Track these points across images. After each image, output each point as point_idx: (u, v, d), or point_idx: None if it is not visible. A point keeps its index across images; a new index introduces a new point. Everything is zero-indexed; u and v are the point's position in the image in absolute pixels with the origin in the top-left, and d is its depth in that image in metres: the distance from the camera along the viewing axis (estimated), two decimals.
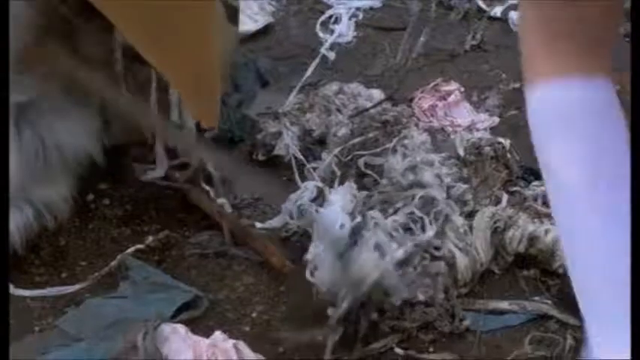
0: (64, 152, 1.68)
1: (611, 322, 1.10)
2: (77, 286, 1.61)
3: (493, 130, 1.99)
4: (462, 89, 2.06)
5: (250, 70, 2.17)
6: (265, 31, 2.35)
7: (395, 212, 1.64)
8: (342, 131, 1.91)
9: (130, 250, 1.69)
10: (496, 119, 2.02)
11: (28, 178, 1.62)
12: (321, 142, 1.93)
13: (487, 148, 1.87)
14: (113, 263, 1.64)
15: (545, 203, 1.72)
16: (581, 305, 1.13)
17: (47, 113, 1.64)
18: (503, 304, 1.60)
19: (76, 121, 1.68)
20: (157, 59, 1.58)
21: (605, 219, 1.07)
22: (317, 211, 1.75)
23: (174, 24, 1.49)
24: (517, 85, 2.07)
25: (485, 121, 2.02)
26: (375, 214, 1.63)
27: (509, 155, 1.86)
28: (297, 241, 1.73)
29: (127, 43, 1.63)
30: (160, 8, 1.47)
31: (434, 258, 1.60)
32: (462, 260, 1.62)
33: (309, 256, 1.60)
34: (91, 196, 1.83)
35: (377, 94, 2.04)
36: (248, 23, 2.33)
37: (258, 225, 1.77)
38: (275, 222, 1.77)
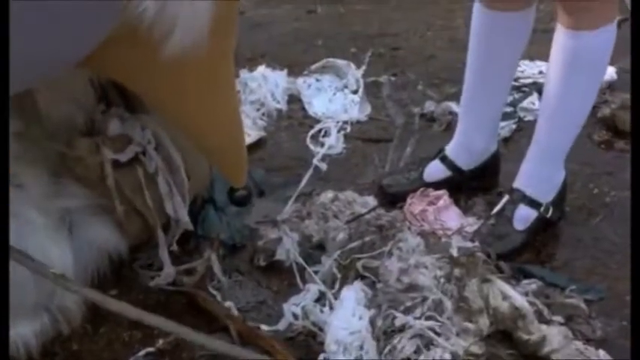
0: (92, 256, 1.77)
1: None
2: None
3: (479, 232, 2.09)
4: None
5: (247, 181, 2.27)
6: (258, 144, 2.47)
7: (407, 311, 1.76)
8: (340, 236, 2.01)
9: (142, 353, 1.75)
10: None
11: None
12: (321, 247, 2.03)
13: (479, 254, 1.98)
14: None
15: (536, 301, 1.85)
16: None
17: (88, 218, 1.74)
18: None
19: (104, 228, 1.78)
20: (187, 132, 1.72)
21: None
22: (321, 311, 1.84)
23: (200, 97, 1.60)
24: (501, 189, 2.20)
25: (474, 224, 2.13)
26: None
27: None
28: (302, 341, 1.80)
29: (114, 157, 1.77)
30: (189, 84, 1.58)
31: None
32: None
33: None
34: None
35: (371, 200, 2.15)
36: None
37: (264, 327, 1.84)
38: (280, 325, 1.85)
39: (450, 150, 2.23)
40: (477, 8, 2.05)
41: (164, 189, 1.81)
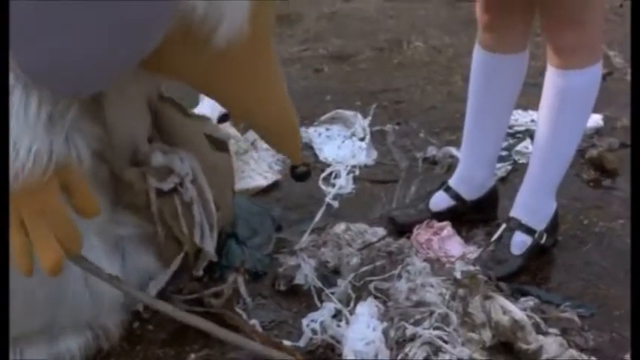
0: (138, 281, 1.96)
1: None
2: None
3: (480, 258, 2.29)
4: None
5: (265, 217, 2.47)
6: (274, 186, 2.68)
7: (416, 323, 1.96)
8: (354, 261, 2.20)
9: None
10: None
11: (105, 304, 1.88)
12: (336, 271, 2.22)
13: (480, 276, 2.17)
14: None
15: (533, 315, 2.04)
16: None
17: (137, 246, 1.94)
18: None
19: (149, 255, 1.97)
20: (247, 119, 1.91)
21: None
22: (338, 326, 2.02)
23: (248, 81, 1.75)
24: (499, 221, 2.40)
25: (475, 252, 2.32)
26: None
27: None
28: (322, 353, 1.98)
29: (158, 186, 1.94)
30: (237, 70, 1.70)
31: None
32: None
33: None
34: (136, 324, 2.07)
35: (380, 231, 2.35)
36: (259, 180, 2.67)
37: (287, 342, 2.02)
38: (301, 341, 2.03)
39: (453, 182, 2.44)
40: (476, 50, 2.28)
41: (197, 217, 2.00)
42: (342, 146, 2.88)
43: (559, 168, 2.26)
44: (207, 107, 2.83)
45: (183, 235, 2.00)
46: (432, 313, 2.02)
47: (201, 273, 2.16)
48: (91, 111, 1.61)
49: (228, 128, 2.75)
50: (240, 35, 1.56)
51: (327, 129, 2.96)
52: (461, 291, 2.10)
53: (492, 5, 2.17)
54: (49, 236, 1.48)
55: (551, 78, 2.14)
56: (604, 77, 3.07)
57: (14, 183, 1.42)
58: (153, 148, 1.96)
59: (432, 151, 2.84)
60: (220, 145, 2.25)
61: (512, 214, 2.31)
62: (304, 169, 2.04)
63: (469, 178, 2.43)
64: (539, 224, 2.30)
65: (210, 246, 2.10)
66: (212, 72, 1.67)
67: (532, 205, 2.29)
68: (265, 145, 2.83)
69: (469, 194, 2.45)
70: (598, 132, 2.95)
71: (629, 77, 3.32)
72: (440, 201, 2.46)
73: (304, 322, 2.06)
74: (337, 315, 2.08)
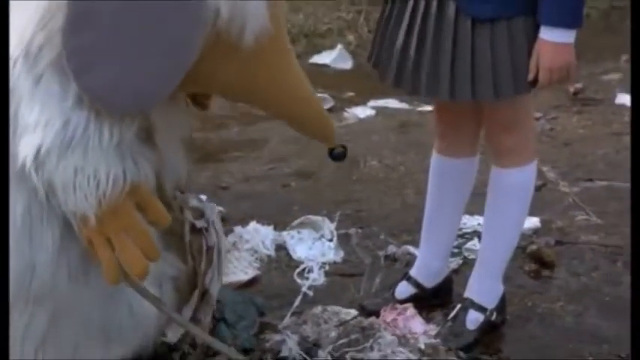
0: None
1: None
2: None
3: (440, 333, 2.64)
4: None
5: (249, 305, 2.78)
6: (255, 280, 3.02)
7: None
8: (332, 335, 2.53)
9: None
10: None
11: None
12: (316, 345, 2.54)
13: (441, 347, 2.52)
14: None
15: None
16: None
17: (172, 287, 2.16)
18: None
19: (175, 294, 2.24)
20: (284, 116, 1.98)
21: None
22: None
23: (275, 76, 1.86)
24: (454, 303, 2.76)
25: (435, 329, 2.67)
26: None
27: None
28: None
29: (193, 221, 2.13)
30: (264, 68, 1.82)
31: None
32: None
33: None
34: None
35: (353, 311, 2.70)
36: (241, 275, 3.01)
37: None
38: None
39: (413, 272, 2.81)
40: (433, 156, 2.69)
41: (215, 261, 2.27)
42: (312, 247, 3.24)
43: (504, 253, 2.65)
44: None
45: (200, 272, 2.19)
46: None
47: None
48: (145, 139, 1.79)
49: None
50: (266, 32, 1.70)
51: (299, 232, 3.33)
52: (425, 358, 2.44)
53: (445, 116, 2.61)
54: (134, 249, 1.73)
55: (494, 176, 2.56)
56: (539, 188, 3.55)
57: (98, 208, 1.66)
58: (187, 194, 2.16)
59: (392, 249, 3.21)
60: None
61: (466, 294, 2.68)
62: (341, 149, 2.05)
63: (427, 266, 2.80)
64: (490, 303, 2.67)
65: (215, 290, 2.29)
66: (246, 76, 1.79)
67: (483, 287, 2.67)
68: (245, 247, 3.19)
69: (428, 282, 2.81)
70: (536, 232, 3.37)
71: (560, 188, 3.80)
72: (404, 289, 2.81)
73: None
74: None
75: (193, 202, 2.20)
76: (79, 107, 1.65)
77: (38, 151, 1.64)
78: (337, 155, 2.05)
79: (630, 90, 2.27)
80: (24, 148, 1.65)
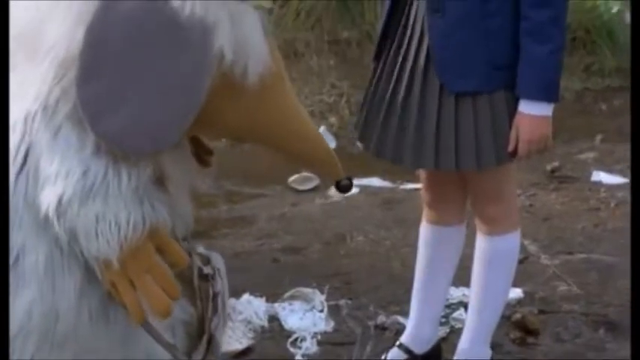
0: None
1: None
2: None
3: None
4: None
5: None
6: (249, 349, 3.11)
7: None
8: None
9: None
10: None
11: None
12: None
13: None
14: None
15: None
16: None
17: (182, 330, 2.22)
18: None
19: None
20: (291, 154, 1.99)
21: None
22: None
23: (278, 113, 1.87)
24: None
25: None
26: None
27: None
28: None
29: (200, 266, 2.11)
30: (267, 106, 1.84)
31: None
32: None
33: None
34: None
35: None
36: (236, 344, 3.11)
37: None
38: None
39: (404, 339, 2.91)
40: (422, 225, 2.82)
41: (219, 308, 2.32)
42: (304, 317, 3.33)
43: (491, 317, 2.76)
44: None
45: (207, 317, 2.15)
46: None
47: None
48: (158, 184, 1.82)
49: None
50: (267, 69, 1.73)
51: (290, 304, 3.43)
52: None
53: (432, 186, 2.75)
54: (156, 288, 1.77)
55: (480, 243, 2.69)
56: (521, 261, 3.68)
57: (120, 252, 1.70)
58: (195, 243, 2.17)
59: (381, 319, 3.32)
60: None
61: (456, 357, 2.78)
62: (347, 182, 2.07)
63: (419, 334, 2.90)
64: None
65: (220, 337, 2.23)
66: (253, 115, 1.82)
67: (471, 350, 2.77)
68: (239, 317, 3.28)
69: (419, 349, 2.91)
70: (519, 302, 3.48)
71: (541, 260, 3.93)
72: (395, 356, 2.91)
73: None
74: None
75: (200, 249, 2.27)
76: (97, 155, 1.71)
77: (60, 201, 1.69)
78: (344, 187, 2.08)
79: (631, 90, 2.26)
80: (45, 198, 1.70)
